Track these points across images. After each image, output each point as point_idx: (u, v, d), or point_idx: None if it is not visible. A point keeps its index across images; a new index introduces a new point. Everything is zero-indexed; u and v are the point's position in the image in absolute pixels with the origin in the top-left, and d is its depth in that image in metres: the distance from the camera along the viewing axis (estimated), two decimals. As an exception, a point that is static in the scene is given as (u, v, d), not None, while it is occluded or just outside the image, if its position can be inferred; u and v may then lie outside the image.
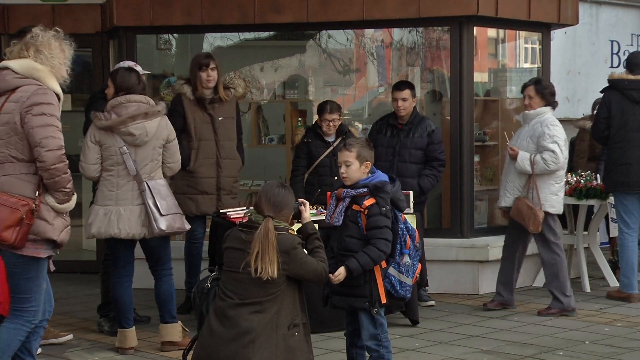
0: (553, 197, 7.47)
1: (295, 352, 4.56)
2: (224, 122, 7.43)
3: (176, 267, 8.19)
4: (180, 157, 6.49)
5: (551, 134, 7.41)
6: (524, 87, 7.71)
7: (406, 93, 7.80)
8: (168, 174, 6.48)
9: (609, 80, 8.14)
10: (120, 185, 6.22)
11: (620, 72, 8.55)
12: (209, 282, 5.01)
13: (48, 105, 4.88)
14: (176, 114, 7.27)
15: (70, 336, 6.70)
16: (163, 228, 6.21)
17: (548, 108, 7.58)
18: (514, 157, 7.50)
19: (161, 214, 6.20)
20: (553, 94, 7.65)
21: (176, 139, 6.45)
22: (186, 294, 7.68)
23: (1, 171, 4.85)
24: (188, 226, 6.48)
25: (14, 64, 4.94)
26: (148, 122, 6.21)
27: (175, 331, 6.47)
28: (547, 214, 7.41)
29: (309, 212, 4.91)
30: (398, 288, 5.24)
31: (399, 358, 6.22)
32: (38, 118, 4.83)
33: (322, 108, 7.90)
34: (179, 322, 6.54)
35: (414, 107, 7.92)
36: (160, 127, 6.28)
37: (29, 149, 4.84)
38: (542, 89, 7.60)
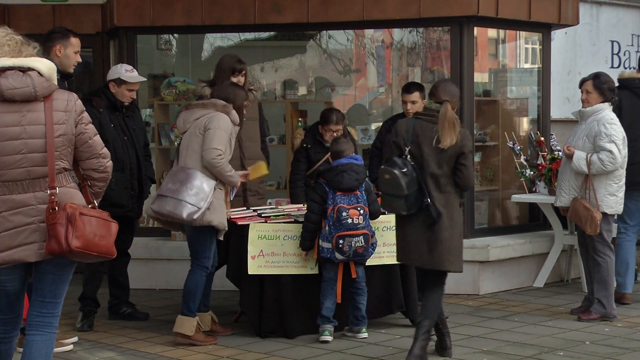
0: (611, 198, 7.22)
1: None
2: (246, 124, 7.20)
3: (175, 266, 8.23)
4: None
5: (608, 132, 7.13)
6: (582, 82, 7.43)
7: (415, 96, 7.77)
8: None
9: (619, 80, 8.05)
10: None
11: (621, 72, 8.53)
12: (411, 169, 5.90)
13: (85, 112, 4.59)
14: None
15: (75, 339, 6.68)
16: None
17: (606, 105, 7.27)
18: (569, 157, 7.24)
19: None
20: (612, 89, 7.31)
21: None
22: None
23: (56, 183, 4.46)
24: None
25: (40, 65, 4.46)
26: None
27: (188, 324, 6.45)
28: (604, 214, 7.18)
29: None
30: (320, 249, 6.63)
31: (399, 358, 6.22)
32: (91, 127, 4.57)
33: (327, 118, 7.64)
34: (196, 317, 6.50)
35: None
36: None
37: (73, 158, 4.55)
38: (600, 84, 7.26)
